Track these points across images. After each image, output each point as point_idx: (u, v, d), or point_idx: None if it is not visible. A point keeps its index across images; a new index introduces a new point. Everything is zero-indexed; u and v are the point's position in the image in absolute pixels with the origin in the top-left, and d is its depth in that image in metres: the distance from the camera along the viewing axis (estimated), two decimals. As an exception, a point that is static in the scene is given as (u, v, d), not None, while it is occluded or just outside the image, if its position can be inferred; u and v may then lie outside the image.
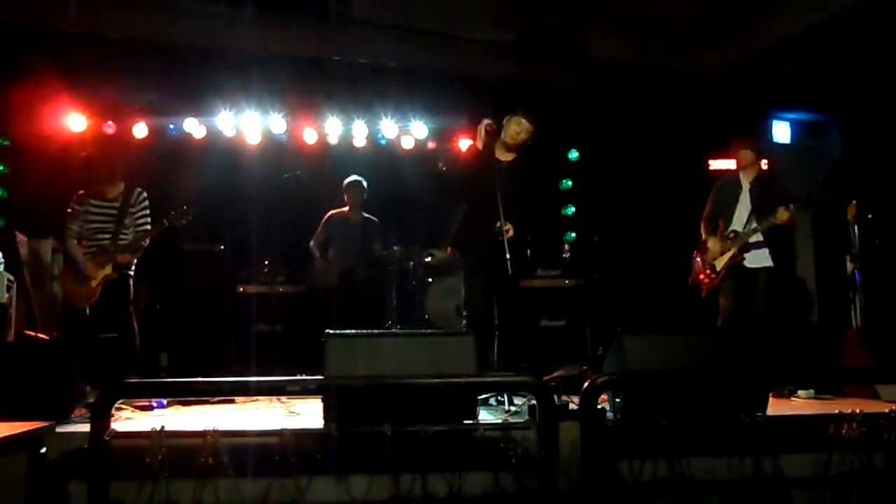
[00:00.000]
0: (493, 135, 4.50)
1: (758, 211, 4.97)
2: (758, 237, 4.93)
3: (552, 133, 7.24)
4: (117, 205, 4.88)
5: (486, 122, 4.48)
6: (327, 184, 6.53)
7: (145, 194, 4.97)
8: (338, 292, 6.15)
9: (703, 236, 5.21)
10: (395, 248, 6.51)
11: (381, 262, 6.46)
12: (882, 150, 6.97)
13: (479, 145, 4.51)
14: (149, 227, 4.89)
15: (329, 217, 6.39)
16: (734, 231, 5.00)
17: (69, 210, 4.88)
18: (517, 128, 4.52)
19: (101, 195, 4.88)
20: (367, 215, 6.45)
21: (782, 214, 4.80)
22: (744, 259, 4.93)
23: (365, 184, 6.43)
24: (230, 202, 6.84)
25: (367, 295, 6.46)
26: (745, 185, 5.09)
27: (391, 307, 6.54)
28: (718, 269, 4.99)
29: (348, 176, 6.52)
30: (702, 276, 5.10)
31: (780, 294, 5.17)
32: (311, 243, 6.32)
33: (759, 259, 4.94)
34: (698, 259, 5.20)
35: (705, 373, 3.10)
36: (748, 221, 4.97)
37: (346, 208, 6.43)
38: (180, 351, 6.21)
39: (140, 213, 4.92)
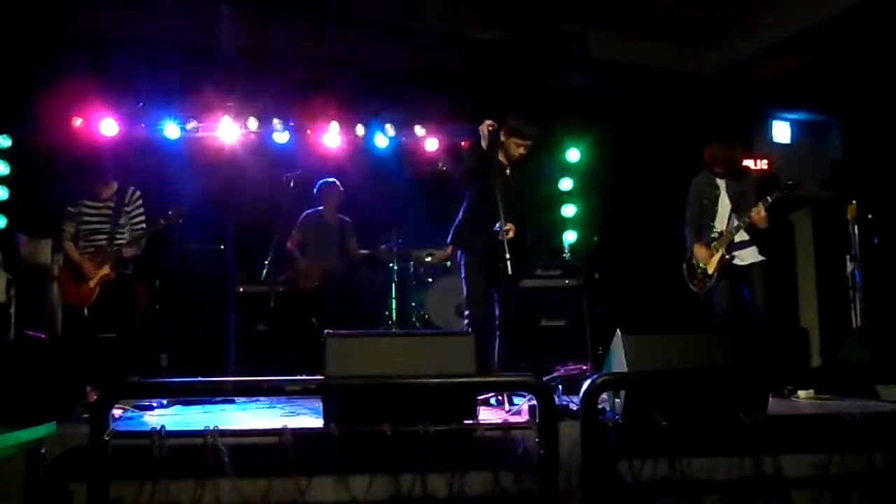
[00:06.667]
0: (496, 133, 4.50)
1: (737, 209, 4.96)
2: (743, 235, 4.92)
3: (552, 133, 7.26)
4: (111, 205, 4.88)
5: (487, 122, 4.48)
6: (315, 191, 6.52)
7: (139, 193, 4.96)
8: (327, 293, 6.12)
9: (690, 242, 5.19)
10: (384, 246, 6.46)
11: (358, 262, 6.43)
12: (882, 150, 6.98)
13: (484, 144, 4.51)
14: (144, 226, 4.90)
15: (304, 218, 6.33)
16: (719, 231, 4.99)
17: (63, 211, 4.88)
18: (516, 148, 4.53)
19: (94, 196, 4.88)
20: (341, 216, 6.41)
21: (756, 213, 4.77)
22: (734, 258, 4.93)
23: (339, 185, 6.39)
24: (230, 202, 6.84)
25: (363, 294, 6.45)
26: (722, 185, 5.07)
27: (390, 307, 6.54)
28: (711, 271, 4.98)
29: (347, 175, 6.51)
30: (696, 282, 5.09)
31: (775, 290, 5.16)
32: (289, 245, 6.20)
33: (748, 255, 4.93)
34: (690, 264, 5.17)
35: (705, 373, 3.10)
36: (730, 220, 4.96)
37: (322, 209, 6.36)
38: (180, 351, 6.20)
39: (135, 213, 4.92)
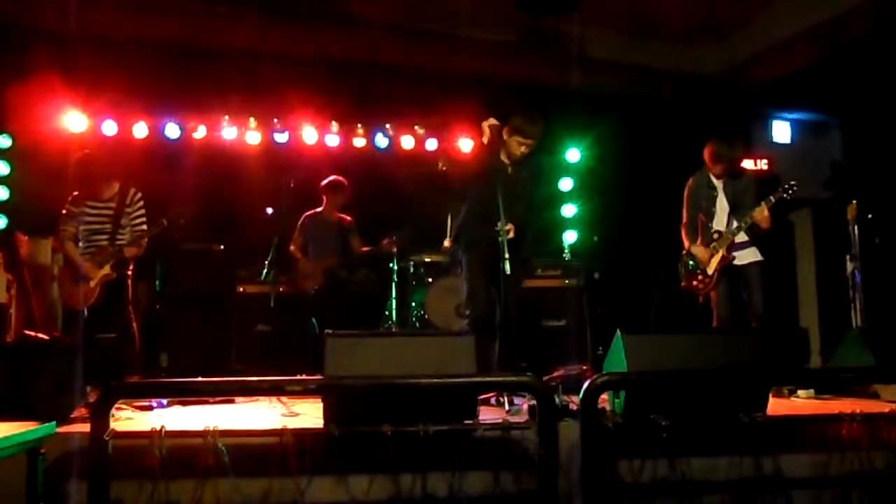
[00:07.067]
0: (498, 132, 4.49)
1: (735, 211, 4.94)
2: (742, 236, 4.90)
3: (552, 133, 7.25)
4: (113, 205, 4.88)
5: (490, 120, 4.47)
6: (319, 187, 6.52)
7: (140, 194, 4.96)
8: (328, 293, 6.13)
9: (686, 242, 5.18)
10: (386, 241, 6.40)
11: (365, 260, 6.43)
12: (882, 151, 6.97)
13: (486, 141, 4.50)
14: (145, 227, 4.90)
15: (304, 219, 6.35)
16: (718, 232, 4.97)
17: (64, 212, 4.88)
18: (518, 146, 4.52)
19: (96, 196, 4.87)
20: (341, 215, 6.41)
21: (759, 213, 4.76)
22: (734, 258, 4.92)
23: (346, 184, 6.38)
24: (230, 202, 6.84)
25: (362, 295, 6.45)
26: (719, 185, 5.04)
27: (390, 307, 6.54)
28: (710, 272, 4.97)
29: (347, 176, 6.52)
30: (695, 283, 5.06)
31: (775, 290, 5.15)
32: (291, 248, 6.25)
33: (748, 255, 4.92)
34: (688, 264, 5.15)
35: (705, 373, 3.10)
36: (729, 221, 4.94)
37: (321, 209, 6.38)
38: (180, 351, 6.20)
39: (136, 213, 4.92)
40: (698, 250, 5.04)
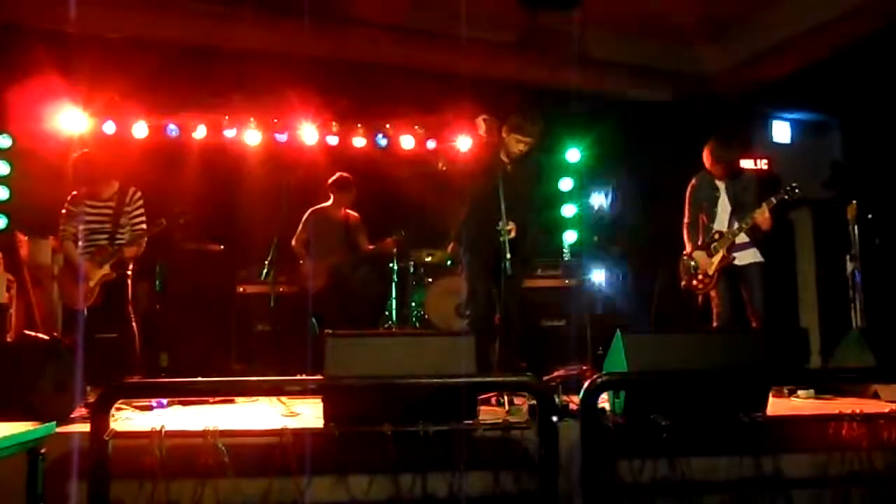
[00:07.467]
0: (496, 128, 4.49)
1: (737, 210, 4.95)
2: (743, 237, 4.91)
3: (552, 133, 7.25)
4: (112, 205, 4.88)
5: (483, 116, 4.49)
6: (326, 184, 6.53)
7: (139, 193, 4.96)
8: (332, 291, 6.12)
9: (688, 243, 5.19)
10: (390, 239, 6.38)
11: (370, 257, 6.38)
12: (882, 151, 6.97)
13: (482, 133, 4.51)
14: (144, 226, 4.90)
15: (309, 214, 6.29)
16: (719, 232, 4.98)
17: (64, 211, 4.88)
18: (516, 144, 4.52)
19: (95, 196, 4.87)
20: (348, 211, 6.35)
21: (760, 215, 4.77)
22: (734, 259, 4.92)
23: (352, 181, 6.32)
24: (230, 202, 6.85)
25: (364, 294, 6.45)
26: (721, 186, 5.05)
27: (390, 307, 6.54)
28: (711, 272, 4.97)
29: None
30: (695, 283, 5.07)
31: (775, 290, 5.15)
32: (294, 243, 6.21)
33: (748, 256, 4.93)
34: (689, 265, 5.15)
35: (705, 373, 3.10)
36: (730, 224, 4.95)
37: (327, 204, 6.31)
38: (180, 351, 6.20)
39: (135, 213, 4.92)
40: (699, 255, 5.05)
